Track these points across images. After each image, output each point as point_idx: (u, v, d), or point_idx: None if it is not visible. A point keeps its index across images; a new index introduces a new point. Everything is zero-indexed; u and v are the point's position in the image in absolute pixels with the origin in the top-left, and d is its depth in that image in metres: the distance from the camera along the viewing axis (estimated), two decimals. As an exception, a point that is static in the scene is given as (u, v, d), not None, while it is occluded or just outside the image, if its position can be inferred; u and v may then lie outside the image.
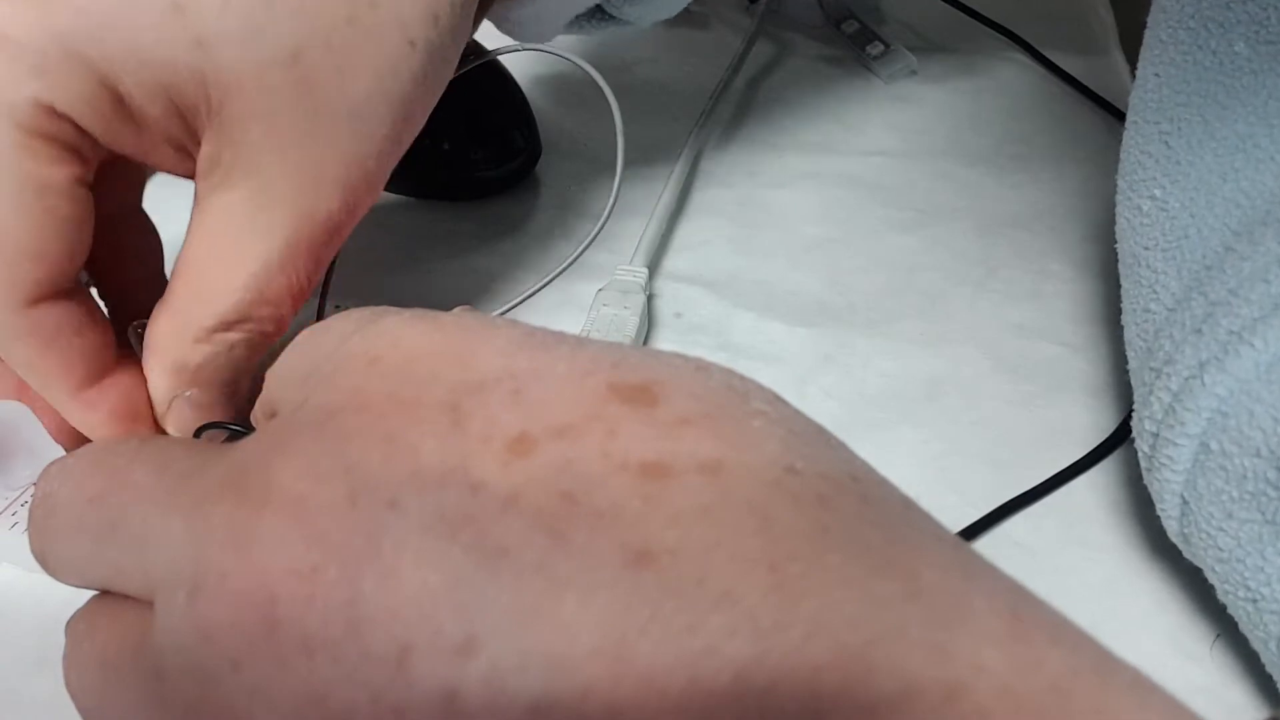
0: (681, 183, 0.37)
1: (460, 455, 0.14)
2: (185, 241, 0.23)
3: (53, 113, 0.20)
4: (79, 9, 0.20)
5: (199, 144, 0.22)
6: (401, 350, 0.16)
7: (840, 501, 0.14)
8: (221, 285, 0.22)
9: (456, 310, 0.18)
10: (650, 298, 0.33)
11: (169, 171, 0.23)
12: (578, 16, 0.32)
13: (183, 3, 0.20)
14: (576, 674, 0.12)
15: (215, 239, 0.22)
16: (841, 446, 0.16)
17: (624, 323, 0.30)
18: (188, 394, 0.23)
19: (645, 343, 0.32)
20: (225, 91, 0.21)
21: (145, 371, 0.23)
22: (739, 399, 0.16)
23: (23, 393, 0.24)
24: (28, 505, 0.20)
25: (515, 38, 0.30)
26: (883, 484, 0.16)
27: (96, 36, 0.20)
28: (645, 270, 0.32)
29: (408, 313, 0.17)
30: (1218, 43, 0.24)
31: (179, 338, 0.23)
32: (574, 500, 0.14)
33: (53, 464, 0.18)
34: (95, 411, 0.23)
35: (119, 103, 0.21)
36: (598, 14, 0.32)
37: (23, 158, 0.20)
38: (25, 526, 0.18)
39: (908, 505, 0.15)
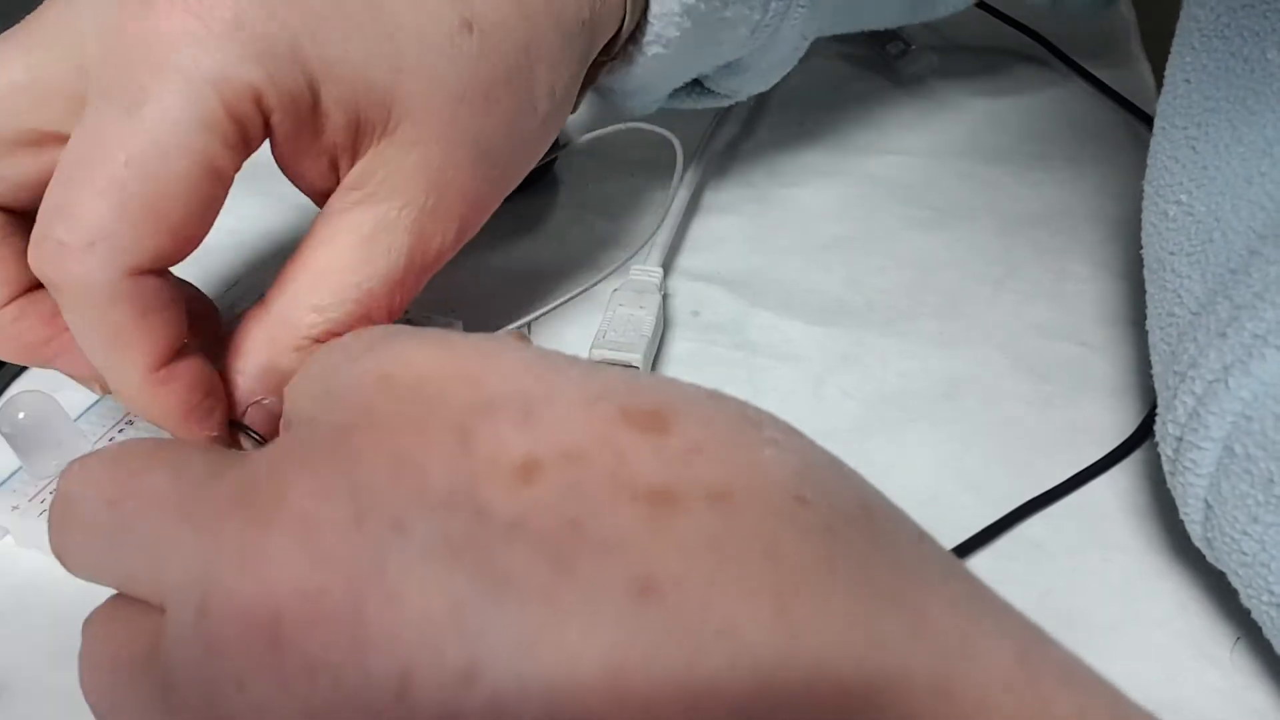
0: (697, 180, 0.37)
1: (467, 478, 0.14)
2: (302, 251, 0.23)
3: (257, 101, 0.21)
4: (312, 11, 0.21)
5: (353, 162, 0.23)
6: (413, 370, 0.16)
7: (849, 534, 0.14)
8: (334, 297, 0.23)
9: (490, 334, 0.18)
10: (666, 297, 0.32)
11: (303, 184, 0.24)
12: (675, 91, 0.34)
13: (393, 32, 0.22)
14: (577, 704, 0.12)
15: (338, 251, 0.23)
16: (855, 475, 0.16)
17: (640, 322, 0.30)
18: (266, 401, 0.23)
19: (661, 341, 0.32)
20: (402, 117, 0.23)
21: (228, 370, 0.23)
22: (752, 427, 0.15)
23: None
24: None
25: (619, 109, 0.33)
26: (895, 516, 0.15)
27: (320, 39, 0.21)
28: (660, 270, 0.32)
29: (421, 332, 0.17)
30: (1250, 50, 0.24)
31: (278, 343, 0.23)
32: (580, 527, 0.13)
33: (74, 463, 0.18)
34: (166, 387, 0.22)
35: (313, 106, 0.22)
36: (696, 87, 0.35)
37: (208, 136, 0.20)
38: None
39: (920, 538, 0.15)
